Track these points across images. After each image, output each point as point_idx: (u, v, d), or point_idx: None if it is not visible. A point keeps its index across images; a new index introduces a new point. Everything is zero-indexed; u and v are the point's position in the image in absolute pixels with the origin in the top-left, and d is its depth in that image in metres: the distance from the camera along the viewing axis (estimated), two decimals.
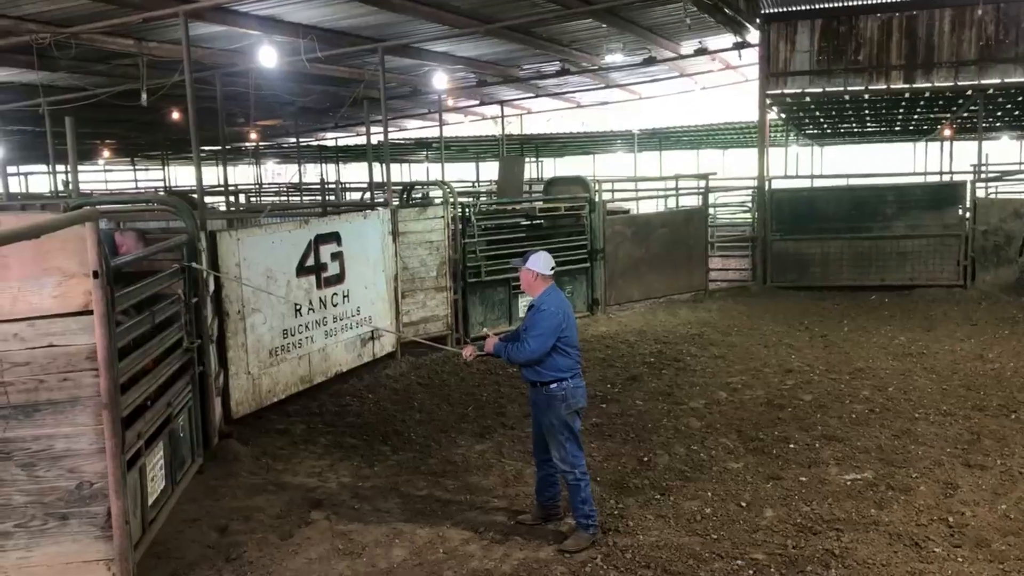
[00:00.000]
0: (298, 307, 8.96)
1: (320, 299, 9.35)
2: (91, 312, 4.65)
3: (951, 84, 15.53)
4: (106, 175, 38.06)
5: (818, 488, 6.41)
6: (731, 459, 7.11)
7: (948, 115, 21.42)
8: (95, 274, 4.56)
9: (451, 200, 11.88)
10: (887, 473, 6.65)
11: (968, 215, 14.83)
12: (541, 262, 5.81)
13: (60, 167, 19.89)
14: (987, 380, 9.21)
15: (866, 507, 6.03)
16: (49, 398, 4.70)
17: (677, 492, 6.44)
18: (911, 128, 25.88)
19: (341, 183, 27.88)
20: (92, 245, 4.52)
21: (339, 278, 9.68)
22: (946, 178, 20.33)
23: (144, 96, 13.76)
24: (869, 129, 26.90)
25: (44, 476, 4.75)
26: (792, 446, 7.33)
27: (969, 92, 16.21)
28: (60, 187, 19.22)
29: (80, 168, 8.34)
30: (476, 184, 30.35)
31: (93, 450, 4.75)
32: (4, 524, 4.74)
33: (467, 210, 12.24)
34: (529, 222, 13.75)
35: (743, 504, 6.17)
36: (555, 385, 5.64)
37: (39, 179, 33.83)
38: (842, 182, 18.69)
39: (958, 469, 6.70)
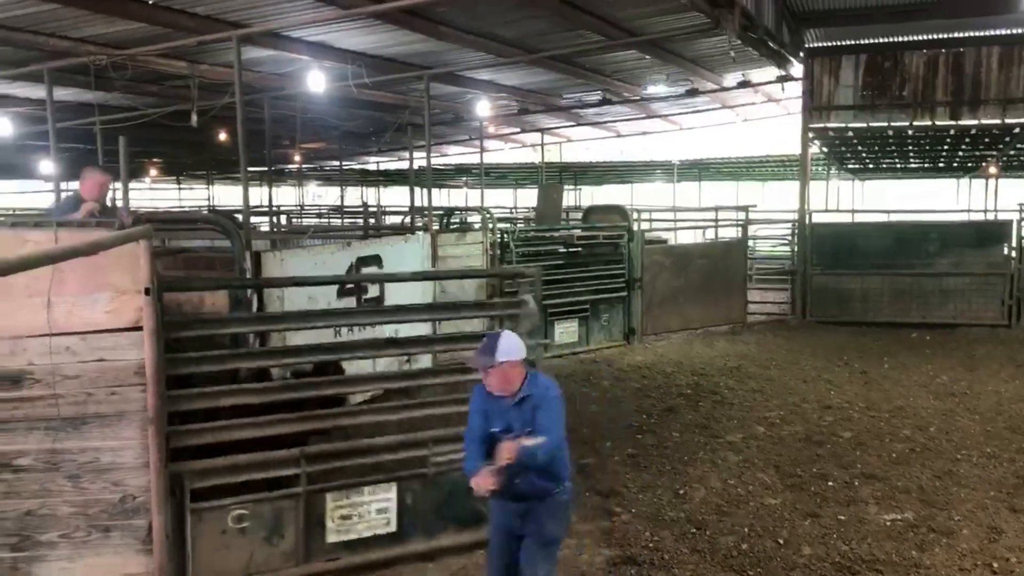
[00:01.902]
0: (338, 329, 9.04)
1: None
2: (141, 328, 4.76)
3: (998, 121, 15.37)
4: (151, 193, 38.85)
5: (857, 527, 6.31)
6: (768, 495, 7.03)
7: (994, 152, 21.19)
8: (147, 291, 4.67)
9: (490, 226, 11.97)
10: (928, 515, 6.53)
11: (1014, 254, 14.61)
12: (516, 345, 4.39)
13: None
14: None
15: (907, 549, 5.92)
16: (97, 411, 4.80)
17: (713, 526, 6.38)
18: (955, 165, 25.62)
19: (381, 206, 28.20)
20: (145, 262, 4.63)
21: (379, 300, 9.75)
22: (991, 216, 20.05)
23: (195, 117, 14.07)
24: (912, 165, 26.68)
25: (89, 488, 4.84)
26: (831, 484, 7.24)
27: (1017, 130, 16.04)
28: (108, 204, 19.63)
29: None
30: (514, 210, 30.52)
31: (138, 464, 4.83)
32: (48, 534, 4.83)
33: (505, 236, 12.31)
34: (566, 249, 13.79)
35: (780, 541, 6.09)
36: (569, 484, 4.56)
37: None
38: (884, 217, 18.54)
39: (1003, 513, 6.56)
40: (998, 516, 6.50)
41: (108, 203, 7.80)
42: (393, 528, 5.64)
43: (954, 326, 14.48)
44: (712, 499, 6.93)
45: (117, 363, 4.79)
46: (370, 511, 5.57)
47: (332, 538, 5.42)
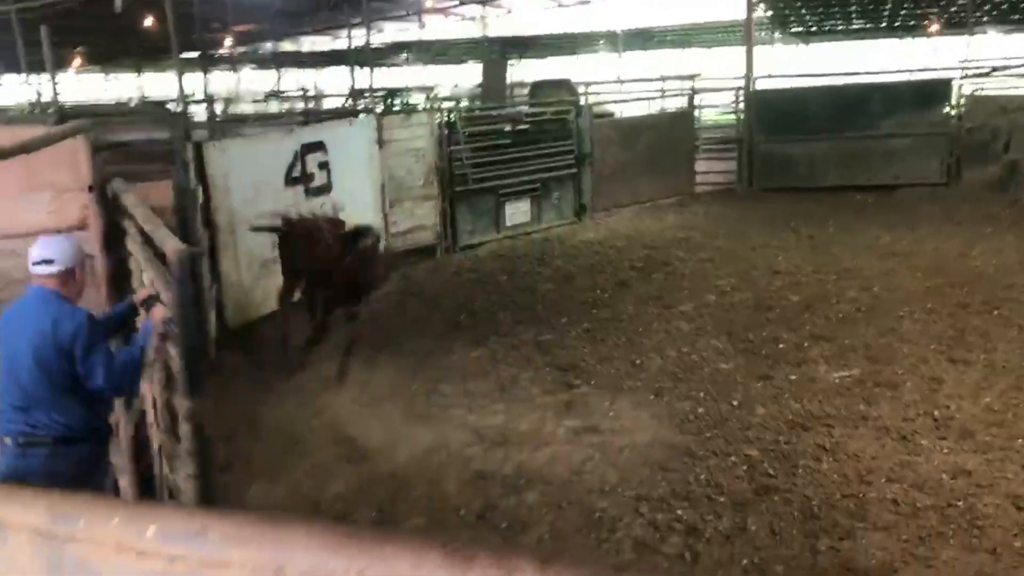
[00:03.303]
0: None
1: (308, 210, 9.27)
2: (87, 227, 4.62)
3: None
4: (78, 85, 37.11)
5: (808, 386, 6.57)
6: (722, 360, 7.26)
7: (936, 9, 21.13)
8: (90, 188, 4.52)
9: (436, 106, 11.70)
10: (874, 370, 6.81)
11: (955, 113, 14.74)
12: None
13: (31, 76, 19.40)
14: (970, 278, 9.33)
15: (855, 403, 6.20)
16: None
17: (670, 393, 6.59)
18: (897, 24, 25.54)
19: (320, 90, 27.36)
20: (86, 159, 4.46)
21: (326, 188, 9.59)
22: (933, 75, 20.13)
23: (118, 2, 13.31)
24: (855, 26, 26.53)
25: None
26: (781, 346, 7.48)
27: None
28: (34, 98, 18.76)
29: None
30: (456, 87, 29.88)
31: None
32: None
33: (452, 116, 12.06)
34: (514, 128, 13.57)
35: (735, 403, 6.33)
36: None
37: (5, 90, 32.90)
38: (827, 81, 18.47)
39: (943, 365, 6.87)
40: (938, 367, 6.81)
41: None
42: None
43: (896, 187, 14.67)
44: (668, 367, 7.14)
45: None
46: None
47: None
